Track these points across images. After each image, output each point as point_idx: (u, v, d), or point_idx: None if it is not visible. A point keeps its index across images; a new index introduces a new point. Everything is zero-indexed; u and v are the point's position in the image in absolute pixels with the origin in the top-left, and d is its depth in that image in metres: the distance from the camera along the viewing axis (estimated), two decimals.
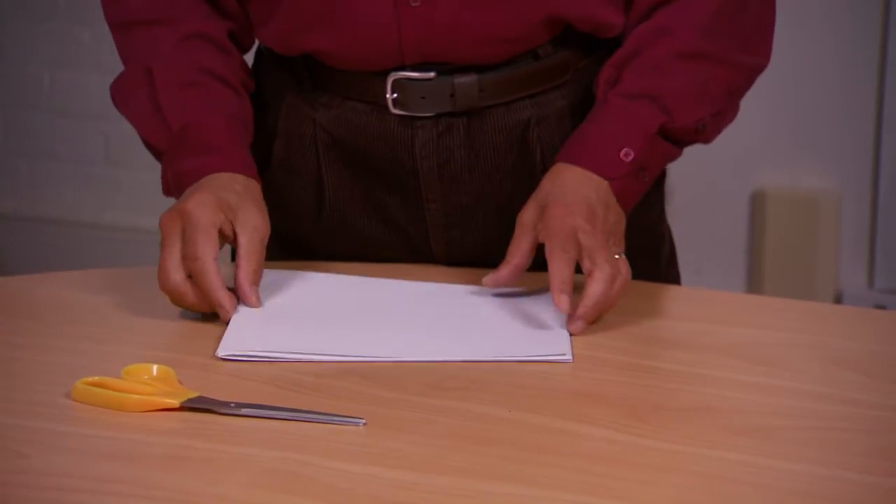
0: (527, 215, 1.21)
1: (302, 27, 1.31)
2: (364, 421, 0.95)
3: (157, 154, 1.30)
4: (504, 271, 1.20)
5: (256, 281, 1.19)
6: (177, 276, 1.16)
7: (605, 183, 1.23)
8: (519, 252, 1.20)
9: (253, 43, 1.38)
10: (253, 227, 1.20)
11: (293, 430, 0.94)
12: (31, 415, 0.97)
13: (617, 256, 1.18)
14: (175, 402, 0.98)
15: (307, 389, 1.03)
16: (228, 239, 1.19)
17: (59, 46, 3.36)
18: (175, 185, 1.26)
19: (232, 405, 0.97)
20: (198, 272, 1.15)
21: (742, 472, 0.88)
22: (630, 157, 1.24)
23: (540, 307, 1.18)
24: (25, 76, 3.48)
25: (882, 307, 2.92)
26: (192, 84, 1.29)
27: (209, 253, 1.16)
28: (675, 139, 1.29)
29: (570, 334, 1.13)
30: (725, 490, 0.86)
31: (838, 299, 3.08)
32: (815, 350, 1.14)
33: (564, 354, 1.09)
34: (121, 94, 1.32)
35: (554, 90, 1.34)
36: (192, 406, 0.97)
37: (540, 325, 1.16)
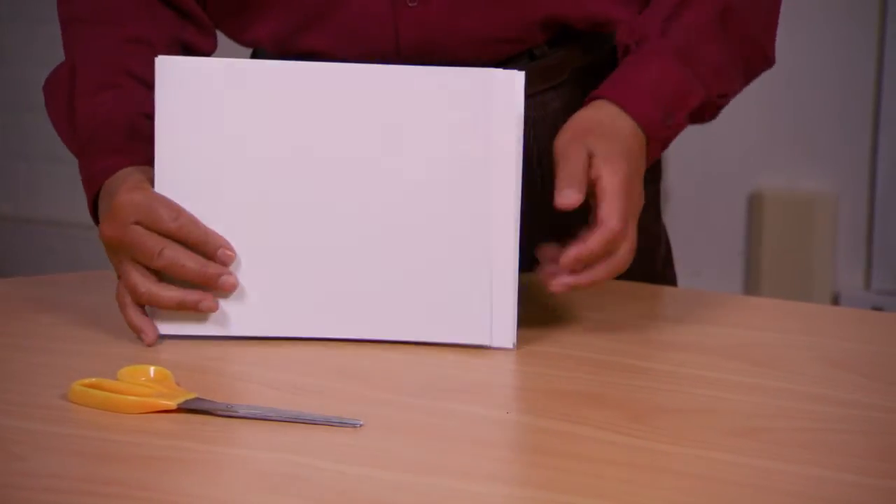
0: (563, 140, 1.16)
1: (297, 28, 1.31)
2: (361, 422, 0.95)
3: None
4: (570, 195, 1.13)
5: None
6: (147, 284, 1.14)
7: (644, 140, 1.21)
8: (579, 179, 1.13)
9: (213, 47, 1.37)
10: None
11: (290, 432, 0.94)
12: (27, 416, 0.97)
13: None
14: (172, 404, 0.97)
15: (304, 391, 1.03)
16: None
17: (56, 48, 3.35)
18: (87, 189, 1.22)
19: (229, 407, 0.97)
20: (185, 227, 1.12)
21: (739, 474, 0.88)
22: (670, 124, 1.22)
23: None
24: (23, 78, 3.48)
25: (879, 308, 2.92)
26: (110, 86, 1.26)
27: (180, 209, 1.13)
28: (697, 113, 1.27)
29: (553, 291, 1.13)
30: (722, 492, 0.86)
31: (835, 301, 3.09)
32: (812, 351, 1.14)
33: (509, 344, 1.11)
34: (48, 91, 1.30)
35: (550, 91, 1.34)
36: (189, 408, 0.97)
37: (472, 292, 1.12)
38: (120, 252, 1.14)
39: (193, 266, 1.12)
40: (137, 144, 1.20)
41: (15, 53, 3.52)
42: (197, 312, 1.13)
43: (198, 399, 0.98)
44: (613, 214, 1.12)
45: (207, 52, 1.37)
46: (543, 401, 1.01)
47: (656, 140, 1.22)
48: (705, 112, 1.28)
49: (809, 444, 0.94)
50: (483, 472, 0.88)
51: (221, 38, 1.40)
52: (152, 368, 1.03)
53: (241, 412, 0.97)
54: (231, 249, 1.13)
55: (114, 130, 1.22)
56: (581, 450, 0.93)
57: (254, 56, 1.44)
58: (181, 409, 0.97)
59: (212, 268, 1.13)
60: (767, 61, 1.32)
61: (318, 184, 1.13)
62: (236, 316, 1.14)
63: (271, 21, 1.31)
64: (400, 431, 0.96)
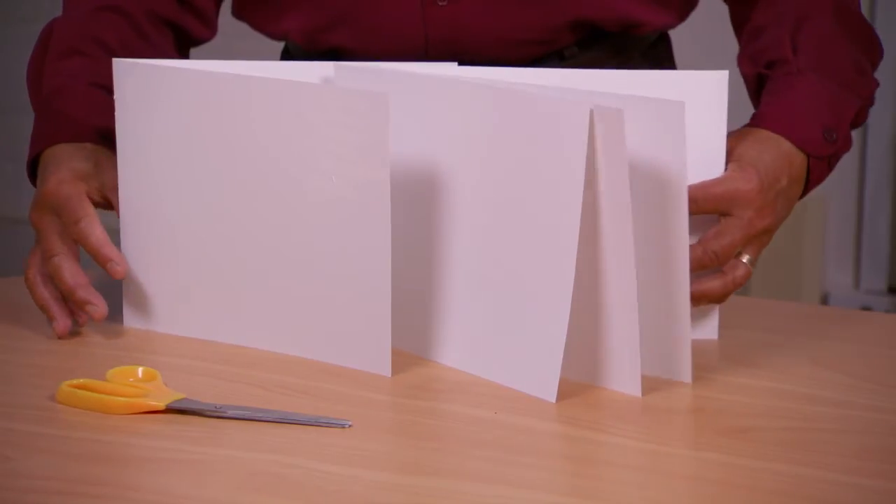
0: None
1: (327, 25, 1.32)
2: (350, 423, 0.95)
3: None
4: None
5: None
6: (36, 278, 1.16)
7: (803, 158, 1.18)
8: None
9: (208, 36, 1.38)
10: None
11: (279, 433, 0.94)
12: (15, 417, 0.97)
13: (745, 260, 1.14)
14: (160, 405, 0.97)
15: (293, 391, 1.03)
16: (100, 205, 1.19)
17: None
18: (30, 148, 1.24)
19: (217, 407, 0.97)
20: (82, 233, 1.14)
21: (727, 474, 0.89)
22: (833, 138, 1.19)
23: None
24: (9, 78, 3.47)
25: (868, 308, 2.92)
26: (77, 52, 1.27)
27: (89, 213, 1.15)
28: (855, 122, 1.24)
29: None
30: (710, 491, 0.86)
31: (824, 300, 3.09)
32: (801, 351, 1.14)
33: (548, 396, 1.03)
34: (35, 47, 1.31)
35: None
36: (177, 408, 0.97)
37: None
38: (36, 235, 1.17)
39: (67, 283, 1.14)
40: (87, 115, 1.22)
41: None
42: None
43: (186, 400, 0.98)
44: (717, 232, 1.13)
45: (203, 39, 1.38)
46: (531, 401, 1.01)
47: (819, 158, 1.19)
48: (860, 118, 1.25)
49: (798, 443, 0.94)
50: (471, 473, 0.88)
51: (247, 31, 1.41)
52: (140, 369, 1.03)
53: (230, 413, 0.97)
54: (121, 265, 1.14)
55: (68, 97, 1.24)
56: (570, 450, 0.93)
57: (284, 50, 1.45)
58: (170, 410, 0.97)
59: (80, 293, 1.14)
60: (881, 48, 1.29)
61: (244, 194, 1.11)
62: (182, 315, 1.15)
63: (301, 16, 1.33)
64: (388, 432, 0.96)
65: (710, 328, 1.16)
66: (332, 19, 1.32)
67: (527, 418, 0.98)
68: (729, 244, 1.12)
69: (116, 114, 1.15)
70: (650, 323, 1.03)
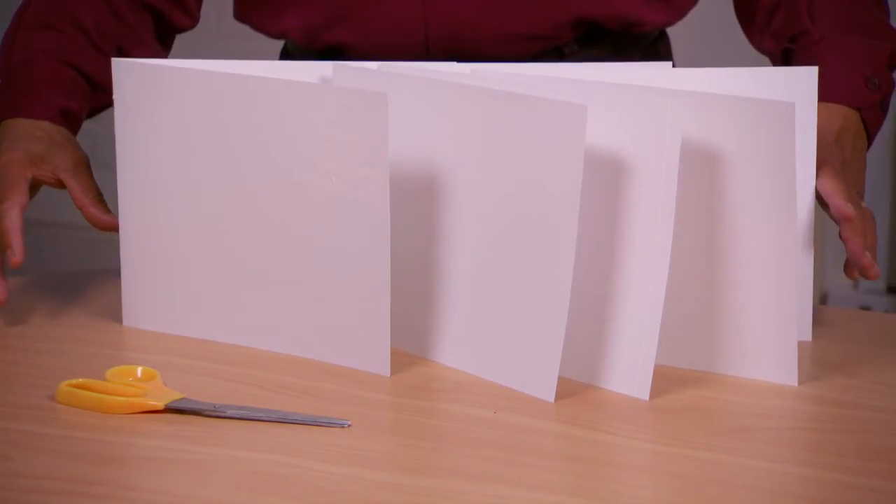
0: None
1: (328, 21, 1.32)
2: (349, 422, 0.95)
3: None
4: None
5: (102, 202, 1.18)
6: None
7: (856, 115, 1.21)
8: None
9: (189, 25, 1.39)
10: (74, 163, 1.19)
11: (279, 432, 0.94)
12: (14, 417, 0.97)
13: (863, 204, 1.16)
14: (160, 404, 0.97)
15: (293, 391, 1.03)
16: (53, 185, 1.20)
17: None
18: None
19: (216, 407, 0.97)
20: None
21: (726, 473, 0.89)
22: (877, 85, 1.22)
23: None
24: None
25: (867, 308, 2.92)
26: (51, 28, 1.28)
27: (15, 199, 1.15)
28: (891, 63, 1.27)
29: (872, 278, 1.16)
30: (709, 491, 0.86)
31: (823, 300, 3.09)
32: (800, 350, 1.14)
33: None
34: (11, 20, 1.32)
35: None
36: (176, 408, 0.97)
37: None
38: None
39: None
40: (52, 93, 1.22)
41: None
42: None
43: (185, 399, 0.98)
44: (843, 206, 1.18)
45: (183, 27, 1.39)
46: (530, 401, 1.01)
47: (871, 107, 1.22)
48: (894, 60, 1.27)
49: (797, 443, 0.94)
50: (470, 472, 0.88)
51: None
52: (140, 369, 1.03)
53: (229, 412, 0.97)
54: (17, 256, 1.14)
55: (36, 72, 1.24)
56: (569, 449, 0.93)
57: (283, 49, 1.45)
58: (169, 410, 0.97)
59: None
60: (887, 5, 1.33)
61: (243, 193, 1.11)
62: (182, 315, 1.15)
63: (301, 13, 1.33)
64: (388, 431, 0.96)
65: (804, 331, 1.15)
66: (333, 16, 1.32)
67: (526, 418, 0.98)
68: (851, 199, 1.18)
69: (116, 113, 1.15)
70: (755, 325, 1.05)
